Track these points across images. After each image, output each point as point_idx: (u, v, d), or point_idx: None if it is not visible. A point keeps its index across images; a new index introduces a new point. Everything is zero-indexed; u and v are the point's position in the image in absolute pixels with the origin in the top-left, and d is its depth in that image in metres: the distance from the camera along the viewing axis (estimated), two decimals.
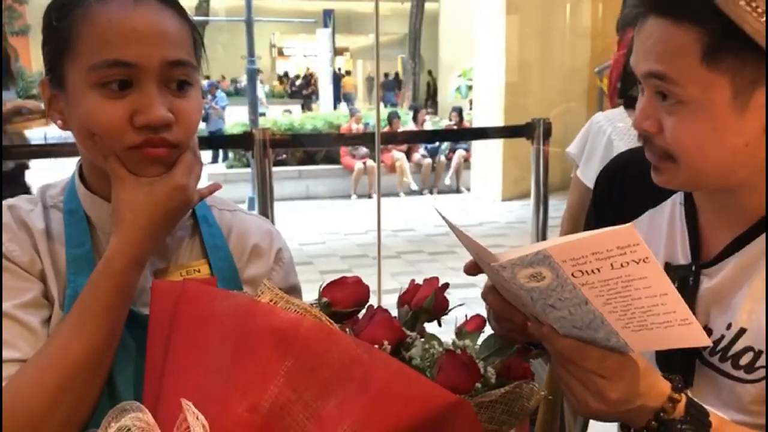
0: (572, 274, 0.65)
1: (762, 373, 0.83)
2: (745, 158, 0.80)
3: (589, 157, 2.18)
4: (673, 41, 0.76)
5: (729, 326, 0.86)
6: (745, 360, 0.84)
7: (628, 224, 0.61)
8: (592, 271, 0.64)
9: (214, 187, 0.94)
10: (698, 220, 0.92)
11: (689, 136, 0.79)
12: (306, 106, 17.52)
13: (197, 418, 0.62)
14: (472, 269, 0.82)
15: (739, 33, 0.73)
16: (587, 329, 0.71)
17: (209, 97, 12.00)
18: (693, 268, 0.90)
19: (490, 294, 0.83)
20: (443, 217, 0.79)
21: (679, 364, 0.88)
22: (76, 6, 0.82)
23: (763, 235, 0.84)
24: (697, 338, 0.70)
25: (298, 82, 21.11)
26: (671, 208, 0.96)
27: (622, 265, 0.63)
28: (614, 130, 2.20)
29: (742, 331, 0.85)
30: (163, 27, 0.82)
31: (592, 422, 1.70)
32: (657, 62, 0.78)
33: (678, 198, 0.95)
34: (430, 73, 17.91)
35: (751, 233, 0.85)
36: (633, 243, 0.62)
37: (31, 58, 12.82)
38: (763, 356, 0.83)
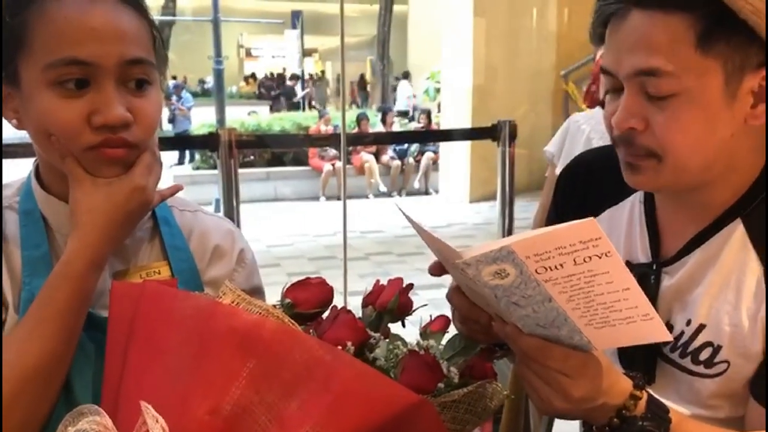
0: (536, 271, 0.65)
1: (721, 368, 0.85)
2: (726, 151, 0.81)
3: (568, 156, 2.22)
4: (666, 31, 0.76)
5: (688, 322, 0.87)
6: (704, 355, 0.86)
7: (589, 218, 0.61)
8: (555, 267, 0.65)
9: (175, 189, 0.93)
10: (657, 218, 0.94)
11: (682, 130, 0.79)
12: (274, 107, 17.42)
13: (157, 421, 0.61)
14: (437, 270, 0.82)
15: (731, 17, 0.74)
16: (551, 327, 0.71)
17: (174, 98, 11.86)
18: (654, 266, 0.91)
19: (455, 295, 0.83)
20: (406, 216, 0.79)
21: (641, 361, 0.90)
22: (31, 2, 0.80)
23: (722, 232, 0.86)
24: (659, 333, 0.70)
25: (267, 83, 20.99)
26: (630, 207, 0.97)
27: (584, 260, 0.64)
28: (593, 130, 2.24)
29: (701, 327, 0.86)
30: (121, 24, 0.81)
31: (557, 421, 1.72)
32: (648, 56, 0.77)
33: (638, 196, 0.96)
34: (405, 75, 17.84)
35: (712, 229, 0.87)
36: (595, 237, 0.62)
37: None
38: (722, 351, 0.84)
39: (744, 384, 0.84)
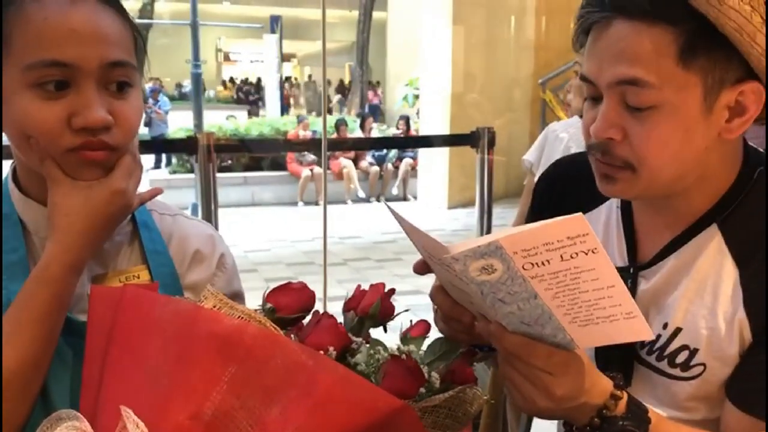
0: (523, 267, 0.65)
1: (697, 370, 0.86)
2: (700, 163, 0.82)
3: (547, 165, 2.26)
4: (649, 42, 0.77)
5: (665, 326, 0.88)
6: (681, 358, 0.87)
7: (577, 214, 0.62)
8: (542, 263, 0.65)
9: (155, 192, 0.92)
10: (634, 223, 0.95)
11: (659, 142, 0.79)
12: (252, 112, 17.34)
13: (137, 426, 0.61)
14: (421, 268, 0.82)
15: (713, 32, 0.75)
16: (535, 325, 0.72)
17: (151, 101, 11.76)
18: (631, 270, 0.92)
19: (438, 294, 0.83)
20: (393, 212, 0.78)
21: (617, 363, 0.91)
22: (9, 2, 0.79)
23: (697, 237, 0.87)
24: (641, 332, 0.71)
25: (245, 88, 20.90)
26: (607, 212, 0.98)
27: (571, 256, 0.64)
28: (571, 138, 2.28)
29: (678, 331, 0.87)
30: (102, 26, 0.80)
31: (533, 426, 1.73)
32: (631, 66, 0.77)
33: (615, 202, 0.97)
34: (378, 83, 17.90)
35: (688, 235, 0.88)
36: (583, 233, 0.62)
37: None
38: (698, 354, 0.86)
39: (720, 386, 0.86)
